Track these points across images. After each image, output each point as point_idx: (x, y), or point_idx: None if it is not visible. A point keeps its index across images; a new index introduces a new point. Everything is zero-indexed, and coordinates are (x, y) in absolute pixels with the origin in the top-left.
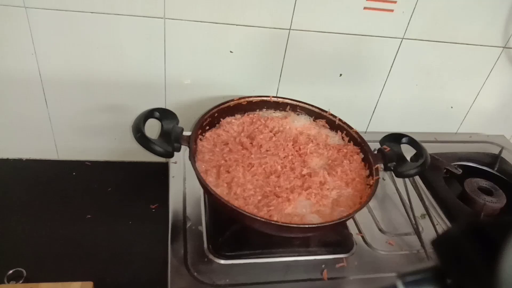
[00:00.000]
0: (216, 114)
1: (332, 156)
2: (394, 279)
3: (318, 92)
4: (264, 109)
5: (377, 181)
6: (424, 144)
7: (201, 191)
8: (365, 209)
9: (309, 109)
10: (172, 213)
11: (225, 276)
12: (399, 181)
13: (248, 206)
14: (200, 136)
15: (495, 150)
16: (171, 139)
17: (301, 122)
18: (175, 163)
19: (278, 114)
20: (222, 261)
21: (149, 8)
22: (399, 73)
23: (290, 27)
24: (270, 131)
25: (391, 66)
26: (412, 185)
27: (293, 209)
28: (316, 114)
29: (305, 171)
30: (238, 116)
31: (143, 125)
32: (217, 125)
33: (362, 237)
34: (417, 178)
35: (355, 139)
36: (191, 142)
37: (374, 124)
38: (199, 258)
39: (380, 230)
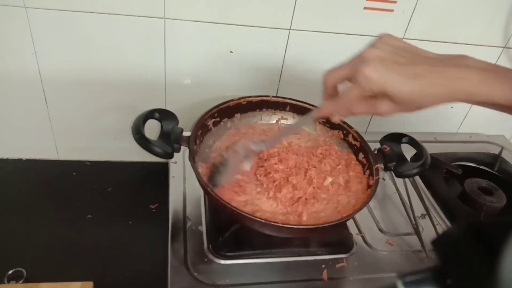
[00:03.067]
0: (216, 114)
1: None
2: (394, 279)
3: (318, 92)
4: (264, 109)
5: (377, 181)
6: (424, 144)
7: (201, 191)
8: (365, 209)
9: (309, 109)
10: (172, 213)
11: (225, 276)
12: (399, 181)
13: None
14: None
15: (495, 150)
16: (170, 140)
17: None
18: (175, 163)
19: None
20: (222, 261)
21: (149, 8)
22: None
23: (290, 27)
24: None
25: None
26: (412, 185)
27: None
28: None
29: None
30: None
31: (143, 126)
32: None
33: (362, 237)
34: (417, 178)
35: (355, 139)
36: (191, 142)
37: (374, 124)
38: (199, 258)
39: (380, 230)
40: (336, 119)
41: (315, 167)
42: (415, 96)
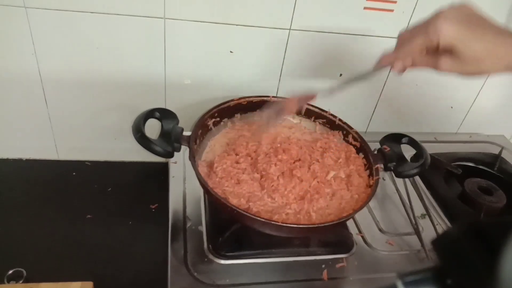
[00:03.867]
0: (216, 114)
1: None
2: (394, 279)
3: (318, 91)
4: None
5: (377, 181)
6: (424, 144)
7: (201, 191)
8: (365, 209)
9: (309, 110)
10: (172, 213)
11: (225, 276)
12: (399, 181)
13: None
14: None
15: (495, 150)
16: (171, 139)
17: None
18: (175, 163)
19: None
20: (222, 261)
21: (149, 8)
22: None
23: (290, 27)
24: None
25: (391, 66)
26: (412, 185)
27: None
28: (316, 114)
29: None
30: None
31: (143, 125)
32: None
33: (362, 237)
34: (417, 178)
35: (355, 139)
36: (191, 142)
37: (374, 124)
38: (199, 258)
39: (380, 230)
40: (397, 67)
41: (318, 161)
42: (481, 55)
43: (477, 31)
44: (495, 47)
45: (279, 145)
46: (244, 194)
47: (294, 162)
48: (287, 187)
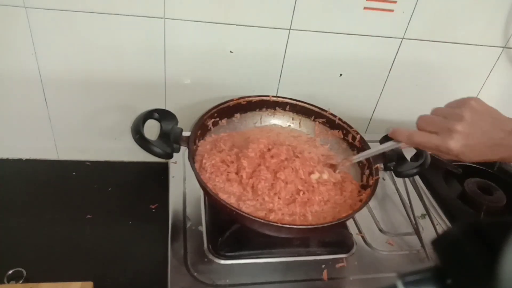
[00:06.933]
0: (216, 114)
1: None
2: (394, 279)
3: (318, 92)
4: (264, 109)
5: (377, 181)
6: None
7: (201, 191)
8: (365, 209)
9: (309, 109)
10: (172, 213)
11: (225, 276)
12: (399, 181)
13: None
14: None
15: None
16: (170, 140)
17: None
18: (175, 163)
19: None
20: (222, 261)
21: (149, 8)
22: (399, 73)
23: (290, 27)
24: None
25: (391, 66)
26: (412, 185)
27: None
28: (316, 113)
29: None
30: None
31: (142, 126)
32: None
33: (362, 237)
34: (417, 178)
35: (355, 139)
36: (191, 143)
37: (374, 124)
38: (199, 258)
39: (380, 230)
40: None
41: (298, 157)
42: (477, 161)
43: (475, 149)
44: (488, 158)
45: (267, 150)
46: (235, 192)
47: (278, 163)
48: (271, 193)
